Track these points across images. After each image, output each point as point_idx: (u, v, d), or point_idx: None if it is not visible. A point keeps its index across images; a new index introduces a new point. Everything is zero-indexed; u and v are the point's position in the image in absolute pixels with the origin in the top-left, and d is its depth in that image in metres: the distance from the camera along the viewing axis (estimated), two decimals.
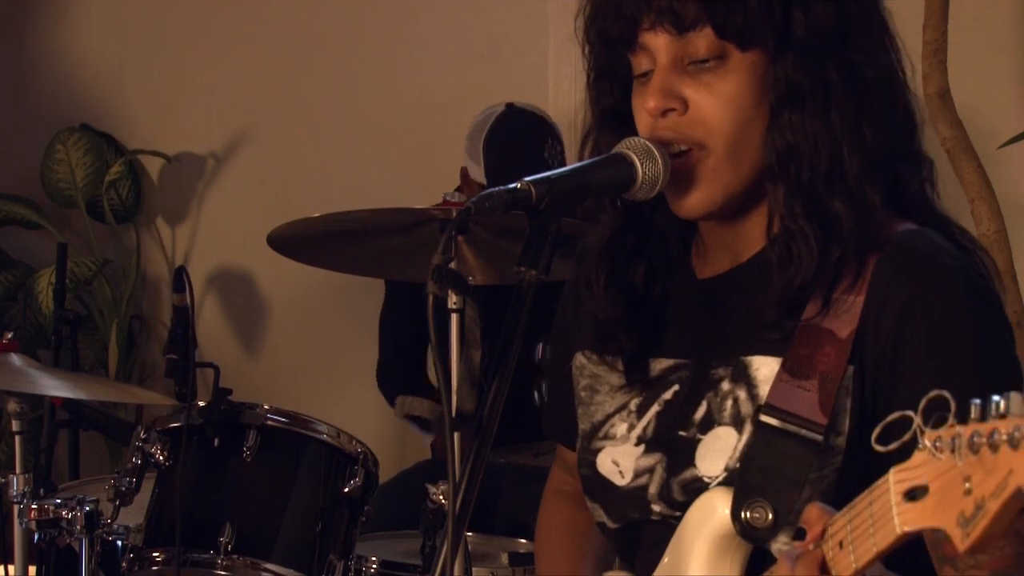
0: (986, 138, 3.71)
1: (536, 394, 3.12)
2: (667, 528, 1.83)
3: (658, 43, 1.78)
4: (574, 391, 1.98)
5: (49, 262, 4.64)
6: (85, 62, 5.24)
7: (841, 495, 1.73)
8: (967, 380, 1.72)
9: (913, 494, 1.36)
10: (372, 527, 3.17)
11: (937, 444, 1.32)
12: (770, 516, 1.71)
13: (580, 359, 1.98)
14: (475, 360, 3.75)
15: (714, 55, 1.76)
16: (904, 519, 1.37)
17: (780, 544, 1.74)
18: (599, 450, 1.92)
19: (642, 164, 1.74)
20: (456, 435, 2.56)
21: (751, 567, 1.76)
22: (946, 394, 1.32)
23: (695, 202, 1.80)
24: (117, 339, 4.99)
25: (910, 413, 1.36)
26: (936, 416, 1.33)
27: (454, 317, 2.99)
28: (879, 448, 1.41)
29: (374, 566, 3.16)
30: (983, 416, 1.28)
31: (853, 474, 1.74)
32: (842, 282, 1.76)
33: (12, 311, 4.98)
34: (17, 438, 3.11)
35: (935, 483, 1.33)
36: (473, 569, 3.09)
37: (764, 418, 1.75)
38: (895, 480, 1.38)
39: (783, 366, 1.76)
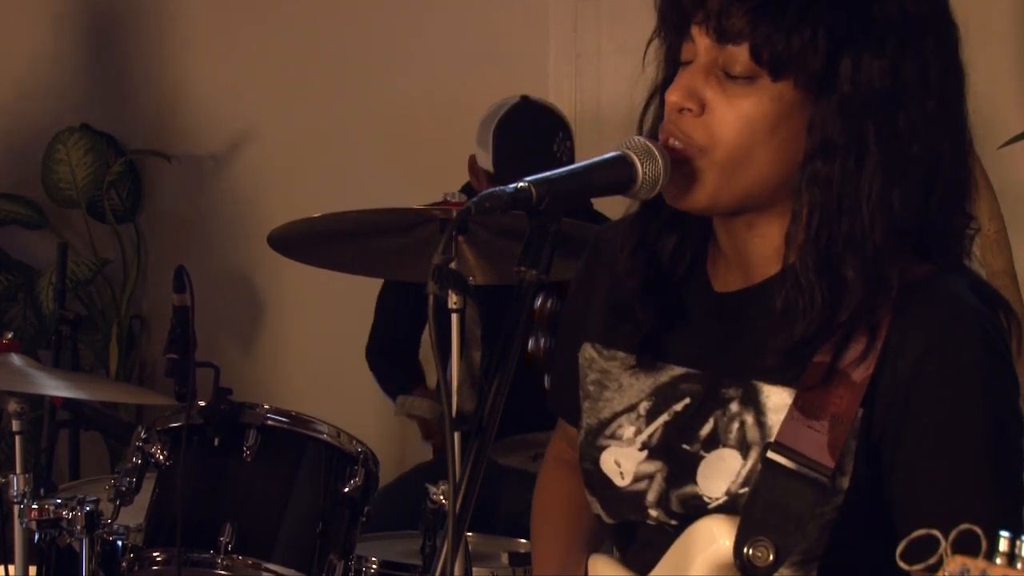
0: (986, 138, 3.70)
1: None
2: (662, 532, 1.84)
3: (701, 42, 1.77)
4: (580, 381, 1.98)
5: (49, 262, 4.65)
6: (86, 62, 5.24)
7: (840, 533, 1.75)
8: (974, 447, 1.74)
9: None
10: (372, 528, 3.17)
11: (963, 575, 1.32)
12: (771, 556, 1.71)
13: (589, 351, 1.97)
14: (475, 360, 3.75)
15: (745, 75, 1.74)
16: None
17: None
18: (604, 448, 1.92)
19: (642, 164, 1.74)
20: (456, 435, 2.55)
21: None
22: (978, 530, 1.31)
23: (687, 197, 1.79)
24: (117, 339, 4.99)
25: (937, 534, 1.34)
26: (964, 549, 1.33)
27: (454, 317, 2.99)
28: (903, 566, 1.38)
29: (374, 566, 3.16)
30: (1011, 555, 1.29)
31: (853, 514, 1.75)
32: (862, 327, 1.74)
33: (12, 311, 4.98)
34: (17, 438, 3.11)
35: None
36: (473, 569, 3.08)
37: (773, 456, 1.75)
38: None
39: (795, 404, 1.75)
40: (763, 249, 1.83)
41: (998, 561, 1.30)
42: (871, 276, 1.73)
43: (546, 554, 2.09)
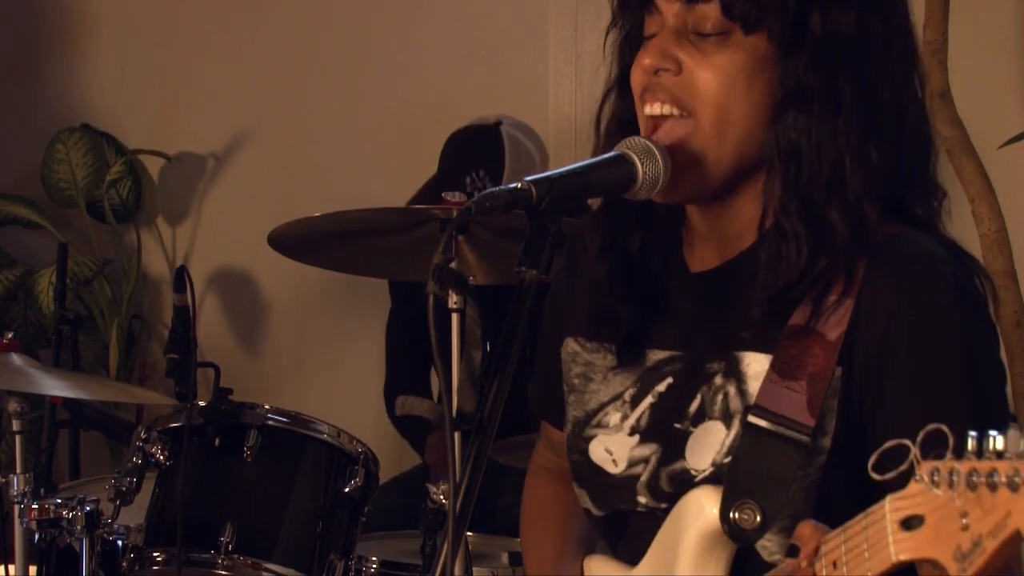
0: (986, 138, 3.70)
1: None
2: (652, 519, 1.84)
3: (669, 9, 1.80)
4: (563, 376, 1.98)
5: (49, 262, 4.64)
6: (86, 62, 5.24)
7: (824, 493, 1.76)
8: (952, 390, 1.74)
9: (909, 523, 1.38)
10: (372, 527, 3.17)
11: (934, 477, 1.33)
12: (758, 518, 1.72)
13: (572, 345, 1.98)
14: (476, 360, 3.75)
15: (717, 31, 1.77)
16: (900, 547, 1.39)
17: (765, 541, 1.76)
18: (592, 438, 1.92)
19: (642, 164, 1.74)
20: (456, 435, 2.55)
21: (735, 565, 1.77)
22: (944, 428, 1.33)
23: (678, 193, 1.81)
24: (118, 339, 4.98)
25: (907, 442, 1.37)
26: (935, 451, 1.35)
27: (454, 317, 2.99)
28: (876, 476, 1.42)
29: (374, 566, 3.16)
30: (979, 451, 1.30)
31: (837, 473, 1.75)
32: (834, 286, 1.76)
33: (12, 311, 4.98)
34: (18, 438, 3.11)
35: (932, 515, 1.35)
36: (473, 569, 3.09)
37: (753, 419, 1.76)
38: (891, 508, 1.40)
39: (772, 367, 1.77)
40: (737, 223, 1.84)
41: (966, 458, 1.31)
42: (853, 217, 1.75)
43: (538, 558, 2.10)
